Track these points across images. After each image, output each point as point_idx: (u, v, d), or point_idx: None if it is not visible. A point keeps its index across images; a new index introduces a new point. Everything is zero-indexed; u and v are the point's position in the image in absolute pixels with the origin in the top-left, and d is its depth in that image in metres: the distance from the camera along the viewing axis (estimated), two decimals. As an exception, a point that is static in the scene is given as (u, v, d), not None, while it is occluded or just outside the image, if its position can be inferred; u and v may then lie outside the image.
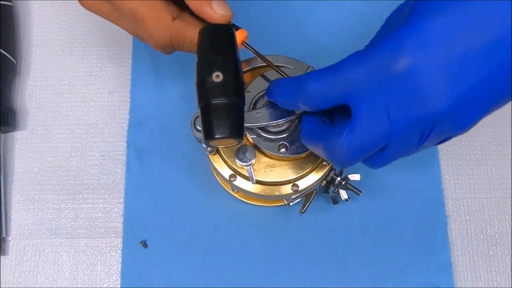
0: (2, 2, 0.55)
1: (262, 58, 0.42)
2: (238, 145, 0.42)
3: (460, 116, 0.31)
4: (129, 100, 0.54)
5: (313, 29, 0.56)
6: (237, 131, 0.36)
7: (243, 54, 0.43)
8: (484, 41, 0.29)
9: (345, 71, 0.33)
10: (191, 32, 0.41)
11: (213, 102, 0.36)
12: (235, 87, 0.36)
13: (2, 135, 0.53)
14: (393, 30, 0.31)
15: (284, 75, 0.41)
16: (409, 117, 0.31)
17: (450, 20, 0.30)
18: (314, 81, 0.35)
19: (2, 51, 0.53)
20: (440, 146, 0.52)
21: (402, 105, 0.31)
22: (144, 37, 0.42)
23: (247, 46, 0.41)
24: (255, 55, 0.42)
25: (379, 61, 0.31)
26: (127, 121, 0.54)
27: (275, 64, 0.45)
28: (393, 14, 0.36)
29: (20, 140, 0.54)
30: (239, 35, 0.41)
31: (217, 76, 0.36)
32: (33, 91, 0.55)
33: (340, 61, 0.34)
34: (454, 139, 0.47)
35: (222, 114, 0.36)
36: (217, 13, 0.40)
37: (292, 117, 0.41)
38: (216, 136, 0.35)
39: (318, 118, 0.38)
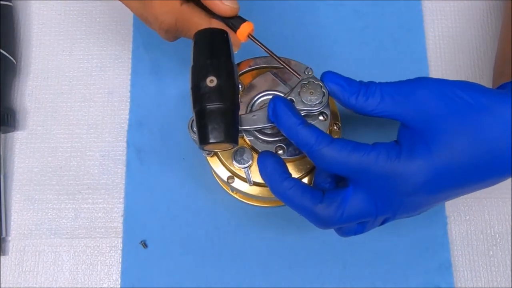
0: (2, 2, 0.55)
1: (268, 51, 0.42)
2: (236, 148, 0.42)
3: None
4: (129, 100, 0.54)
5: (313, 29, 0.56)
6: (232, 135, 0.36)
7: (246, 50, 0.43)
8: None
9: (368, 162, 0.36)
10: (197, 19, 0.41)
11: (208, 106, 0.36)
12: (230, 91, 0.36)
13: (2, 135, 0.53)
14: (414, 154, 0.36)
15: (293, 72, 0.41)
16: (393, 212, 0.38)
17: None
18: (332, 147, 0.36)
19: (2, 51, 0.53)
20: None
21: (392, 203, 0.37)
22: (149, 19, 0.42)
23: (253, 39, 0.41)
24: (255, 56, 0.42)
25: (397, 173, 0.36)
26: (127, 121, 0.54)
27: (273, 64, 0.45)
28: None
29: (20, 140, 0.54)
30: (245, 28, 0.41)
31: (211, 81, 0.36)
32: (33, 91, 0.55)
33: (365, 144, 0.37)
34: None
35: (216, 119, 0.35)
36: (224, 4, 0.40)
37: None
38: (211, 141, 0.35)
39: (302, 186, 0.39)
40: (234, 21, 0.42)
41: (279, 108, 0.38)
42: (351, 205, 0.37)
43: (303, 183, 0.39)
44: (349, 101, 0.38)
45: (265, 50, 0.42)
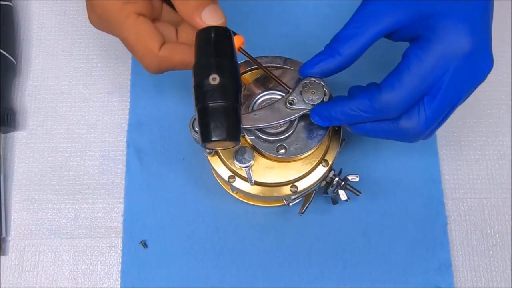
0: (2, 2, 0.54)
1: (257, 63, 0.42)
2: (237, 147, 0.42)
3: None
4: (129, 100, 0.54)
5: (312, 29, 0.56)
6: (234, 133, 0.36)
7: (247, 50, 0.43)
8: None
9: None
10: (179, 57, 0.40)
11: (210, 104, 0.35)
12: (232, 89, 0.36)
13: (2, 135, 0.53)
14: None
15: (279, 81, 0.42)
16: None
17: None
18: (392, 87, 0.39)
19: (2, 51, 0.53)
20: (439, 146, 0.52)
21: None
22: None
23: (244, 52, 0.41)
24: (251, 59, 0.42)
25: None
26: (127, 121, 0.54)
27: (275, 64, 0.45)
28: None
29: (20, 140, 0.54)
30: (236, 41, 0.41)
31: (214, 79, 0.36)
32: (33, 91, 0.55)
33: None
34: (454, 139, 0.47)
35: (219, 117, 0.35)
36: (207, 24, 0.39)
37: (290, 119, 0.41)
38: (213, 139, 0.35)
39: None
40: None
41: (324, 113, 0.40)
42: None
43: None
44: (337, 63, 0.40)
45: (254, 62, 0.42)
